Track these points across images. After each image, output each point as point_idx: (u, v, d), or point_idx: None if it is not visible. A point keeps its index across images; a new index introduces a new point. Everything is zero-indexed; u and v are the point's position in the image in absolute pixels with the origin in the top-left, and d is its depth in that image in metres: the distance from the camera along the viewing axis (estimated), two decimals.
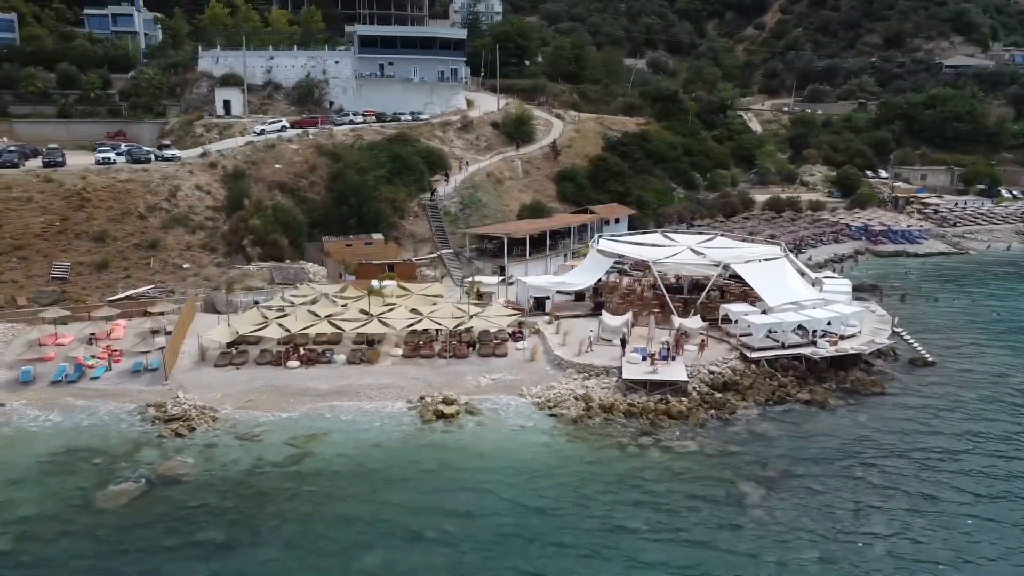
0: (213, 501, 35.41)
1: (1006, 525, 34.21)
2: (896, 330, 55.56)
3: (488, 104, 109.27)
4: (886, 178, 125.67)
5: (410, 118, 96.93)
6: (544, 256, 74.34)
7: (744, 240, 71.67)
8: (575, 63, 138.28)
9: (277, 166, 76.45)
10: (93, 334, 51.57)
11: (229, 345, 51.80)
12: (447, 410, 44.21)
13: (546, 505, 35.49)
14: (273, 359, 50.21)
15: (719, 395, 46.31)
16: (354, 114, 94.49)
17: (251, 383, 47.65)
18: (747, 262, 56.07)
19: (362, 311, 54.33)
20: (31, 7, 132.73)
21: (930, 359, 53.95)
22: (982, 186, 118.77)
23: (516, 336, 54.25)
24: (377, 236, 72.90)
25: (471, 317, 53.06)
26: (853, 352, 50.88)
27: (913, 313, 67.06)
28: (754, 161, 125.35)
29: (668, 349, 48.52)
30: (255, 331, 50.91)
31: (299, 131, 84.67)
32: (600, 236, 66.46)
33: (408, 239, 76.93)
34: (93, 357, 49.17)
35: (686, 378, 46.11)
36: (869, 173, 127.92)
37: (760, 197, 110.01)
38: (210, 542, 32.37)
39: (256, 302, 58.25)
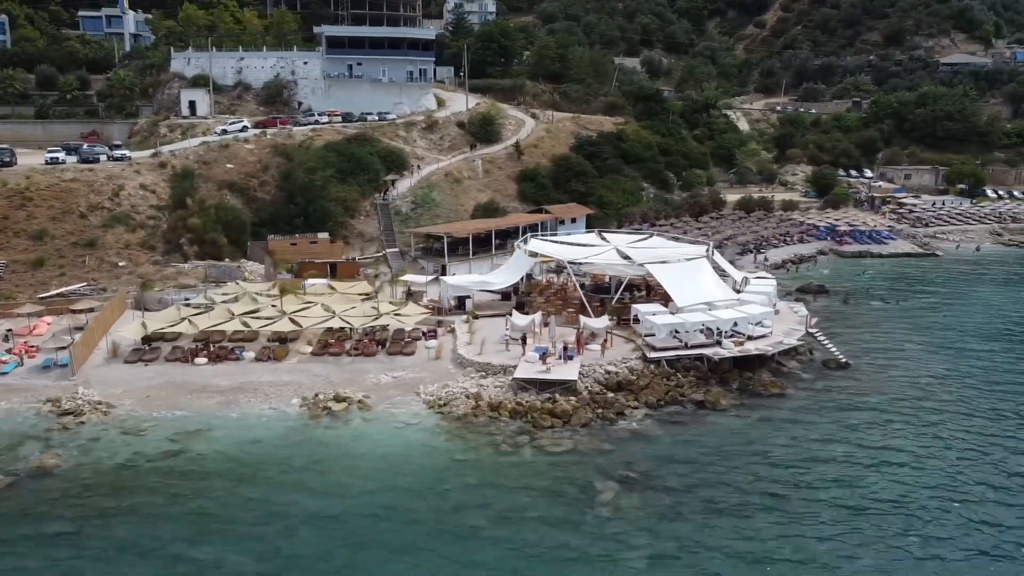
0: (74, 494, 36.30)
1: (863, 547, 33.20)
2: (811, 331, 55.14)
3: (463, 104, 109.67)
4: (870, 177, 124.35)
5: (376, 118, 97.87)
6: (489, 255, 74.65)
7: (706, 241, 71.37)
8: (560, 63, 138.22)
9: (229, 166, 77.74)
10: (9, 330, 52.93)
11: (145, 341, 52.89)
12: (336, 407, 44.90)
13: (398, 501, 35.92)
14: (182, 356, 51.16)
15: (611, 395, 46.39)
16: (319, 114, 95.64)
17: (155, 379, 48.60)
18: (661, 263, 55.94)
19: (282, 310, 55.17)
20: (24, 9, 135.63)
21: (843, 360, 53.51)
22: (963, 186, 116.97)
23: (429, 335, 54.73)
24: (323, 235, 73.82)
25: (380, 316, 53.58)
26: (758, 353, 50.63)
27: (851, 314, 66.70)
28: (733, 160, 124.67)
29: (565, 348, 48.72)
30: (166, 328, 51.92)
31: (258, 131, 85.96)
32: (530, 236, 66.62)
33: (357, 238, 77.87)
34: (8, 352, 50.56)
35: (575, 377, 46.24)
36: (854, 173, 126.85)
37: (732, 197, 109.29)
38: (55, 534, 33.21)
39: (187, 299, 59.38)
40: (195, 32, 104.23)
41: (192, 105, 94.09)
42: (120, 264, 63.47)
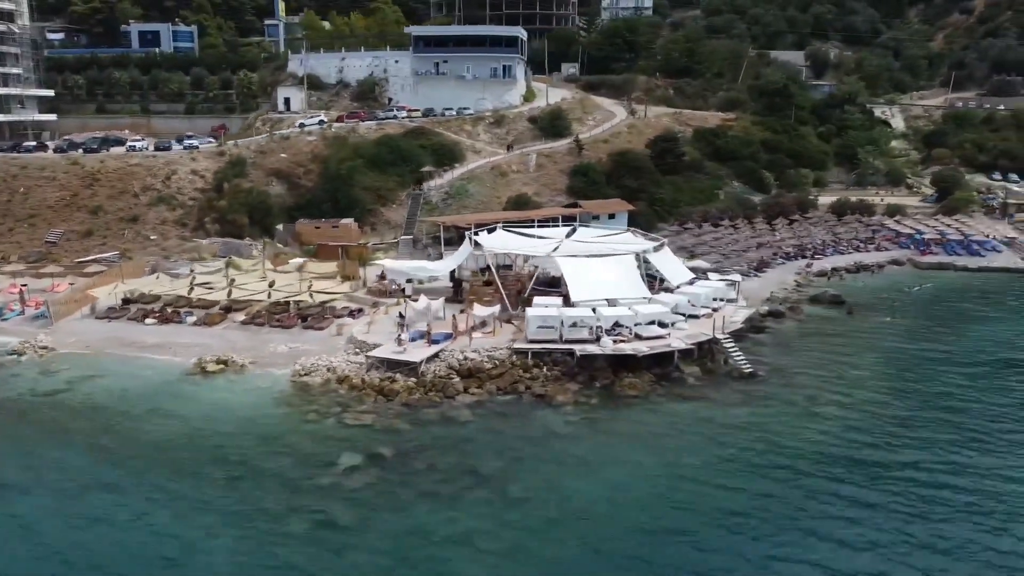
0: None
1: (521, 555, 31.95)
2: (719, 336, 51.25)
3: (557, 97, 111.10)
4: (1016, 181, 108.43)
5: (455, 113, 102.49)
6: None
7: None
8: (688, 57, 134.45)
9: (283, 155, 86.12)
10: (24, 285, 63.76)
11: (125, 303, 61.52)
12: (211, 368, 49.90)
13: (170, 441, 40.24)
14: (138, 316, 58.96)
15: (456, 380, 47.10)
16: (398, 109, 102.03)
17: (105, 334, 56.51)
18: (570, 256, 54.93)
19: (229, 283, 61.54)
20: (216, 19, 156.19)
21: (748, 371, 49.42)
22: None
23: (355, 314, 58.22)
24: (346, 221, 79.61)
25: (300, 293, 57.95)
26: (631, 352, 48.44)
27: (836, 327, 60.82)
28: (855, 160, 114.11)
29: (429, 333, 50.05)
30: (135, 293, 60.11)
31: (326, 124, 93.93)
32: (499, 227, 67.24)
33: (384, 225, 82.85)
34: (21, 303, 61.31)
35: (417, 360, 47.48)
36: (1014, 177, 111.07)
37: (825, 199, 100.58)
38: None
39: (191, 270, 68.00)
40: (313, 36, 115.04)
41: (287, 102, 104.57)
42: (152, 238, 73.52)
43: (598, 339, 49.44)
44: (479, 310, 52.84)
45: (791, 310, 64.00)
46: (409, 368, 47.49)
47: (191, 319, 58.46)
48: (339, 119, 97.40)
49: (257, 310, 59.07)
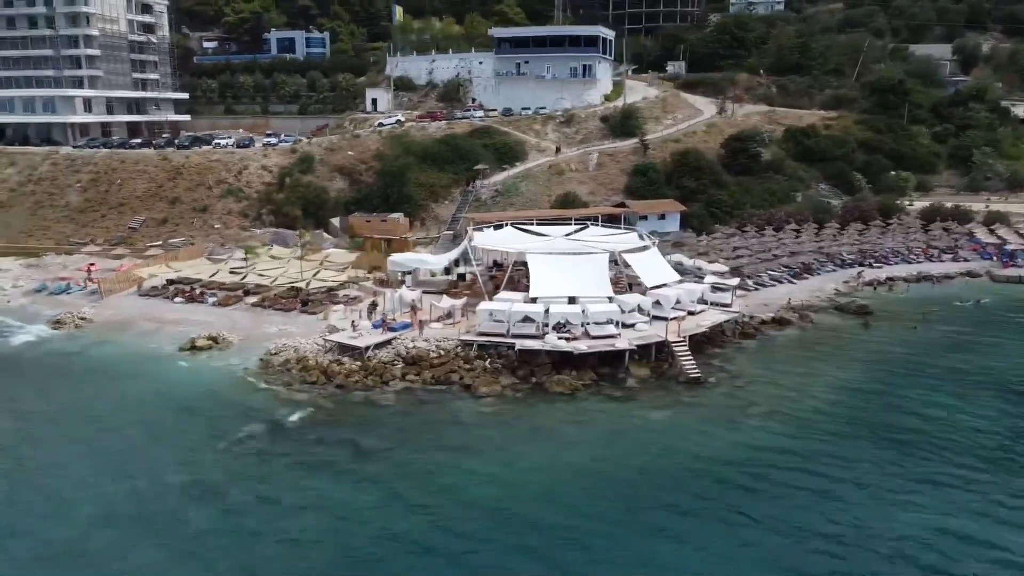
0: None
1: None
2: (671, 340, 49.76)
3: (652, 95, 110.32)
4: None
5: (531, 112, 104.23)
6: None
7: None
8: (800, 54, 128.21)
9: (350, 153, 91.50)
10: (92, 264, 72.33)
11: (169, 283, 68.58)
12: (200, 343, 54.92)
13: (114, 404, 45.27)
14: (170, 295, 65.59)
15: (401, 366, 49.17)
16: (475, 109, 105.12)
17: (140, 309, 63.38)
18: (540, 253, 55.18)
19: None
20: (349, 27, 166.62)
21: (693, 376, 47.80)
22: None
23: (350, 302, 61.61)
24: (394, 215, 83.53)
25: (300, 280, 62.09)
26: (569, 350, 48.33)
27: (841, 336, 57.29)
28: (970, 162, 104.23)
29: (384, 321, 52.39)
30: (175, 274, 66.98)
31: (403, 124, 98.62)
32: (508, 224, 68.28)
33: (433, 220, 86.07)
34: (88, 280, 69.95)
35: (362, 346, 49.91)
36: None
37: (918, 204, 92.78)
38: None
39: (231, 256, 74.68)
40: (409, 40, 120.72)
41: (375, 102, 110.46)
42: (215, 226, 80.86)
43: (544, 335, 49.69)
44: (444, 301, 54.56)
45: (800, 318, 60.60)
46: (356, 352, 50.09)
47: (212, 300, 64.24)
48: (417, 119, 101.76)
49: (269, 294, 63.92)
